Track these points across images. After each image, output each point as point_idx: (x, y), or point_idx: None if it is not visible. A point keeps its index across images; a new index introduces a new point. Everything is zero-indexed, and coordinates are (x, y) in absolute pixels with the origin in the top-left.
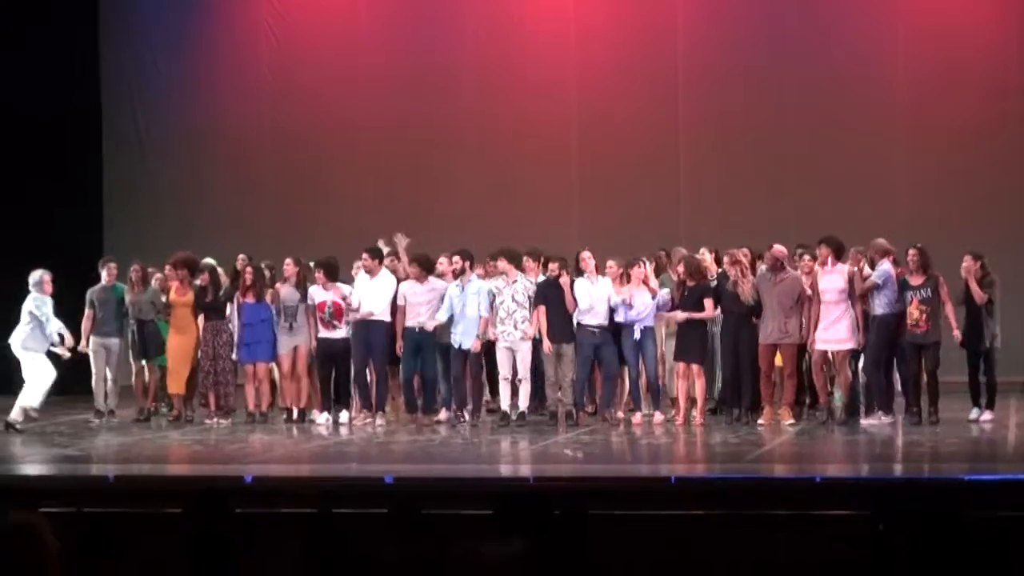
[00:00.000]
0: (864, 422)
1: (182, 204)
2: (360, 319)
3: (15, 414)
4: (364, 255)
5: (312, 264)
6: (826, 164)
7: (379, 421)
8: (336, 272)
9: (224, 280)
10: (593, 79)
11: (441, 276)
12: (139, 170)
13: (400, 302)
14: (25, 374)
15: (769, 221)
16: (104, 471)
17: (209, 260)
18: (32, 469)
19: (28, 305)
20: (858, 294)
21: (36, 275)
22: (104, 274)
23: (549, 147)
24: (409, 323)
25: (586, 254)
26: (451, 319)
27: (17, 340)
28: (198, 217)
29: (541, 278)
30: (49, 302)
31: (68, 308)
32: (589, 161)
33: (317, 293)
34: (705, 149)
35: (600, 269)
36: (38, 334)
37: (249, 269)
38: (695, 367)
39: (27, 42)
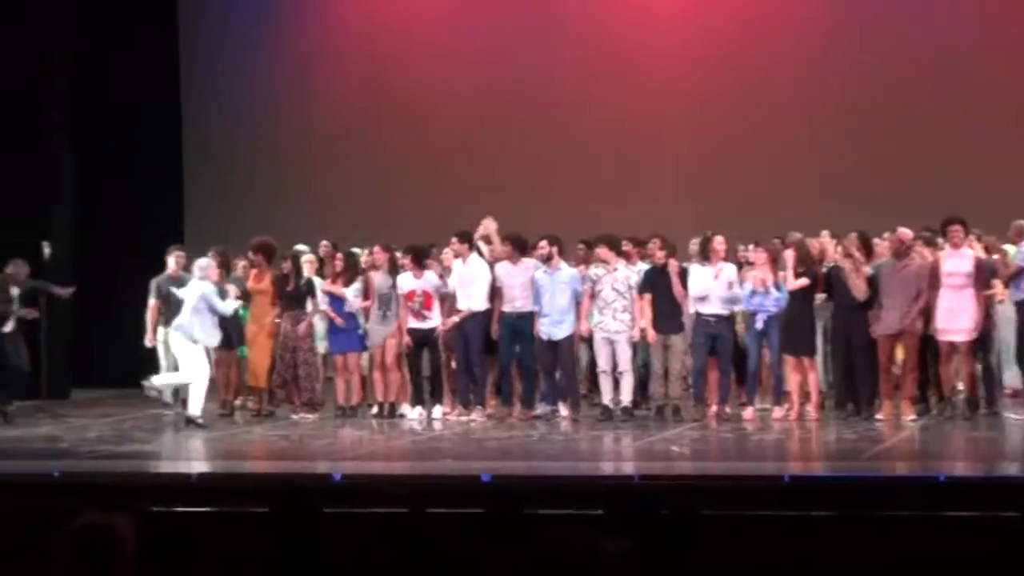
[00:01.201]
0: (1012, 416)
1: (265, 188)
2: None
3: (193, 409)
4: (453, 239)
5: (401, 251)
6: (943, 146)
7: (475, 416)
8: (425, 258)
9: (308, 268)
10: (686, 60)
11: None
12: (220, 152)
13: (497, 284)
14: (181, 367)
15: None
16: (187, 468)
17: (302, 247)
18: (111, 466)
19: (193, 293)
20: (1002, 280)
21: (203, 262)
22: (172, 262)
23: (646, 131)
24: (506, 308)
25: (719, 238)
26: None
27: (184, 329)
28: (282, 202)
29: (643, 266)
30: (214, 288)
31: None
32: (687, 145)
33: (406, 281)
34: (818, 131)
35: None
36: (207, 325)
37: (340, 255)
38: (807, 360)
39: (105, 23)
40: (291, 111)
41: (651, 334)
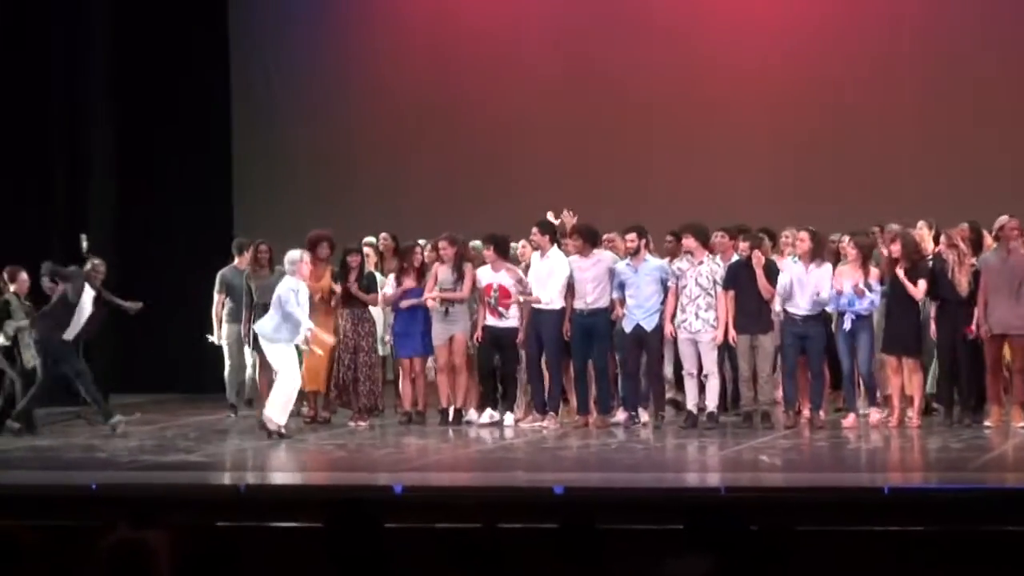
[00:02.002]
0: None
1: (321, 177)
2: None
3: (275, 417)
4: (534, 230)
5: (481, 241)
6: None
7: (548, 423)
8: (508, 249)
9: (369, 263)
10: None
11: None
12: (272, 138)
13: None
14: (278, 377)
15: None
16: (234, 480)
17: (371, 239)
18: (153, 477)
19: (280, 289)
20: None
21: (294, 255)
22: (237, 255)
23: (738, 113)
24: (577, 304)
25: (803, 234)
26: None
27: (265, 330)
28: (339, 192)
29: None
30: (306, 289)
31: (195, 291)
32: (780, 128)
33: (485, 274)
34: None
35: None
36: (290, 323)
37: (419, 250)
38: (909, 361)
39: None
40: (349, 96)
41: (731, 334)
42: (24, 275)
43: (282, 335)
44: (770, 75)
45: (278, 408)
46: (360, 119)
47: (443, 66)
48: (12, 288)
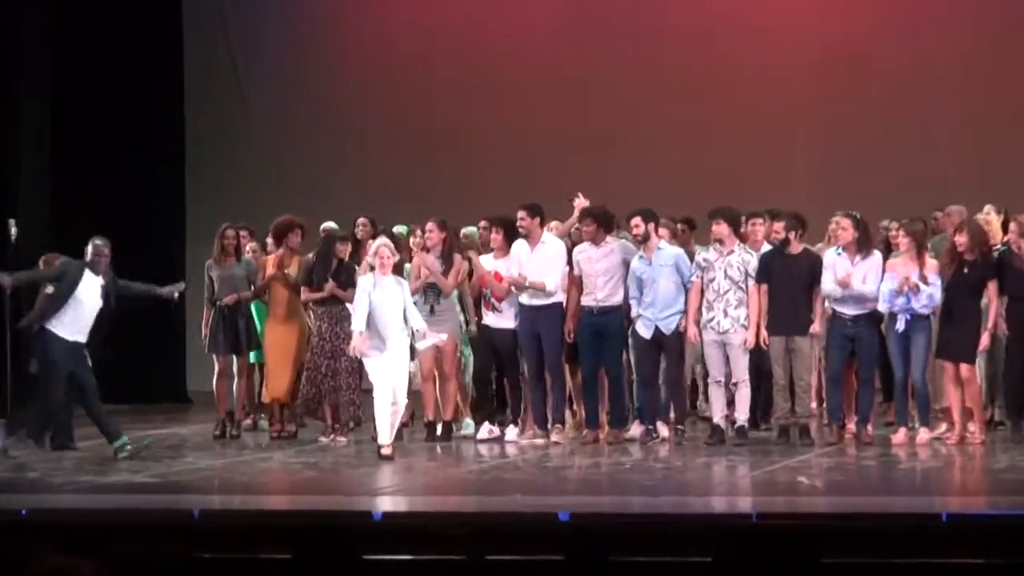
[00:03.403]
0: None
1: (285, 154)
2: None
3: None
4: (521, 213)
5: (483, 224)
6: None
7: (554, 438)
8: (515, 234)
9: (339, 252)
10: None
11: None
12: (230, 108)
13: (575, 271)
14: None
15: None
16: (186, 503)
17: (330, 224)
18: (91, 502)
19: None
20: None
21: (380, 243)
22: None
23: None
24: (585, 300)
25: (845, 222)
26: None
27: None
28: (305, 170)
29: (768, 248)
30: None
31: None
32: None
33: (486, 264)
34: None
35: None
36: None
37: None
38: (964, 367)
39: None
40: (319, 57)
41: (763, 335)
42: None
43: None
44: (809, 56)
45: (382, 426)
46: (333, 87)
47: (423, 35)
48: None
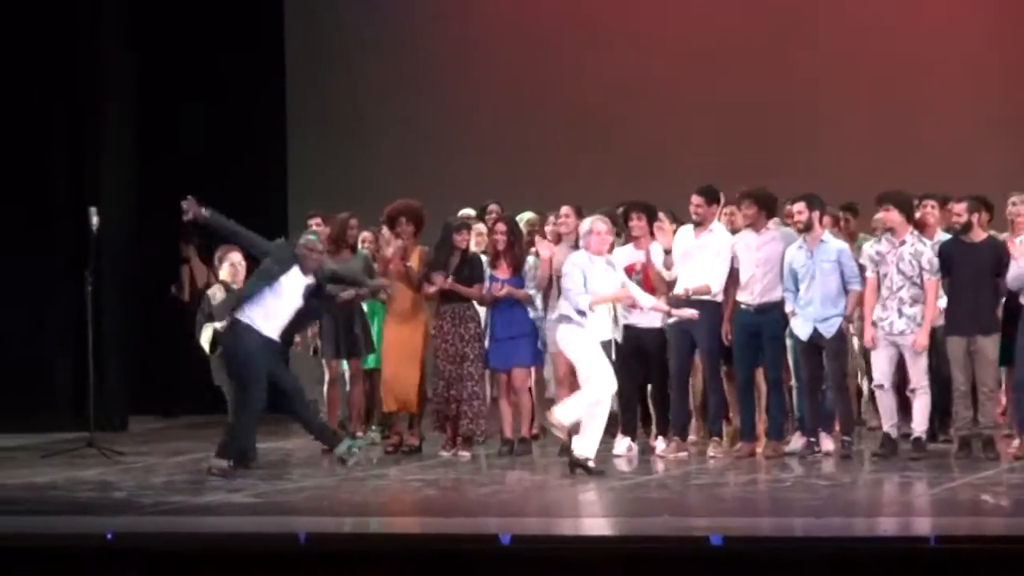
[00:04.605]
0: None
1: (393, 137)
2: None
3: (582, 448)
4: (697, 199)
5: (623, 208)
6: None
7: (710, 451)
8: (656, 218)
9: (475, 243)
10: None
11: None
12: (334, 89)
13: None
14: (582, 382)
15: None
16: (291, 527)
17: (467, 210)
18: (184, 524)
19: (566, 266)
20: None
21: (584, 224)
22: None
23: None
24: (741, 296)
25: None
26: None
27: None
28: (423, 151)
29: (942, 236)
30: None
31: None
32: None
33: (625, 254)
34: None
35: None
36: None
37: (501, 226)
38: None
39: None
40: (436, 34)
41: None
42: (238, 256)
43: (573, 327)
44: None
45: (589, 434)
46: (454, 61)
47: (541, 14)
48: (223, 274)
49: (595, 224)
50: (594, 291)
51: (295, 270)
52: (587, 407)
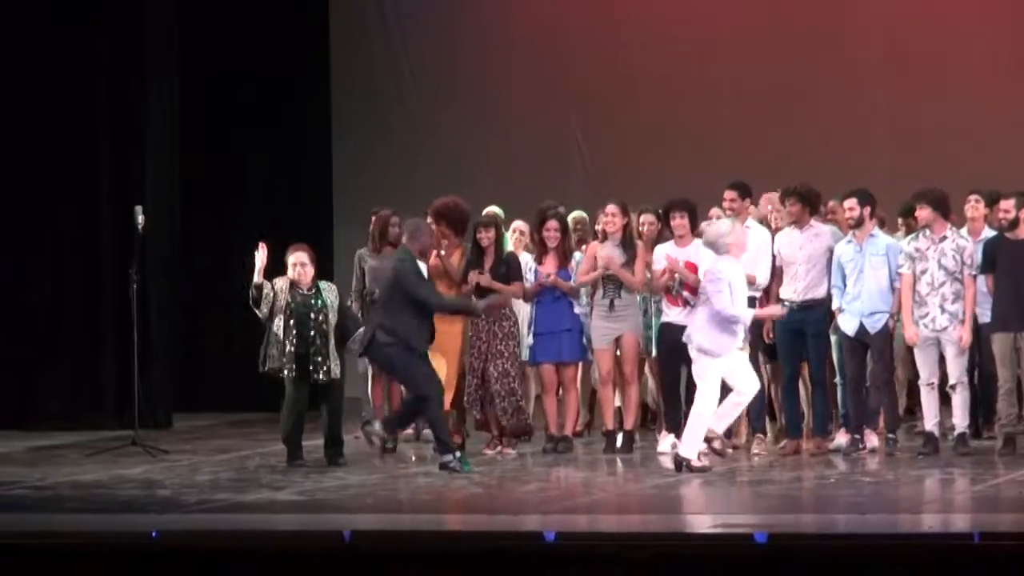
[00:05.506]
0: None
1: (441, 130)
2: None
3: (686, 447)
4: (730, 194)
5: (665, 208)
6: None
7: (754, 448)
8: (697, 217)
9: (515, 241)
10: None
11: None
12: (379, 81)
13: (777, 262)
14: (736, 385)
15: None
16: (336, 524)
17: (495, 208)
18: (230, 522)
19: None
20: None
21: (723, 225)
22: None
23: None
24: (784, 293)
25: None
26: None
27: (701, 341)
28: (462, 148)
29: (989, 232)
30: (741, 271)
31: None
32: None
33: (668, 251)
34: None
35: None
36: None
37: (554, 223)
38: None
39: None
40: (480, 30)
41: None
42: (303, 256)
43: (723, 342)
44: None
45: (693, 434)
46: (495, 57)
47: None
48: (292, 270)
49: (740, 236)
50: (739, 298)
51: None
52: (732, 407)
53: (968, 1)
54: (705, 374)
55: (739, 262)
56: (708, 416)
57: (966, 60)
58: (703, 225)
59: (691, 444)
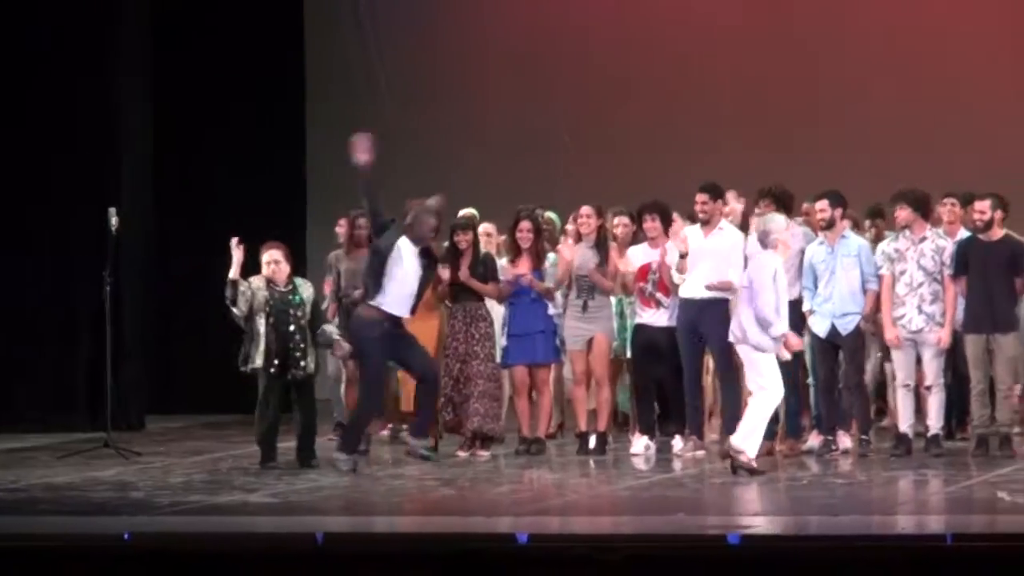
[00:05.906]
0: None
1: (415, 134)
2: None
3: (741, 443)
4: (702, 196)
5: (637, 210)
6: None
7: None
8: (671, 220)
9: (483, 243)
10: None
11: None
12: (354, 84)
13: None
14: (759, 385)
15: None
16: (308, 526)
17: (470, 211)
18: (202, 524)
19: (755, 271)
20: None
21: (778, 221)
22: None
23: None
24: None
25: None
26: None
27: (752, 335)
28: (438, 150)
29: (965, 234)
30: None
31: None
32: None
33: (638, 253)
34: None
35: None
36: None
37: (527, 223)
38: None
39: None
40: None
41: (945, 336)
42: (277, 254)
43: (759, 338)
44: None
45: (752, 434)
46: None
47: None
48: (267, 268)
49: (783, 233)
50: (781, 293)
51: (405, 242)
52: (760, 419)
53: (968, 1)
54: (764, 370)
55: (781, 258)
56: (770, 414)
57: (966, 60)
58: (755, 215)
59: (753, 444)
